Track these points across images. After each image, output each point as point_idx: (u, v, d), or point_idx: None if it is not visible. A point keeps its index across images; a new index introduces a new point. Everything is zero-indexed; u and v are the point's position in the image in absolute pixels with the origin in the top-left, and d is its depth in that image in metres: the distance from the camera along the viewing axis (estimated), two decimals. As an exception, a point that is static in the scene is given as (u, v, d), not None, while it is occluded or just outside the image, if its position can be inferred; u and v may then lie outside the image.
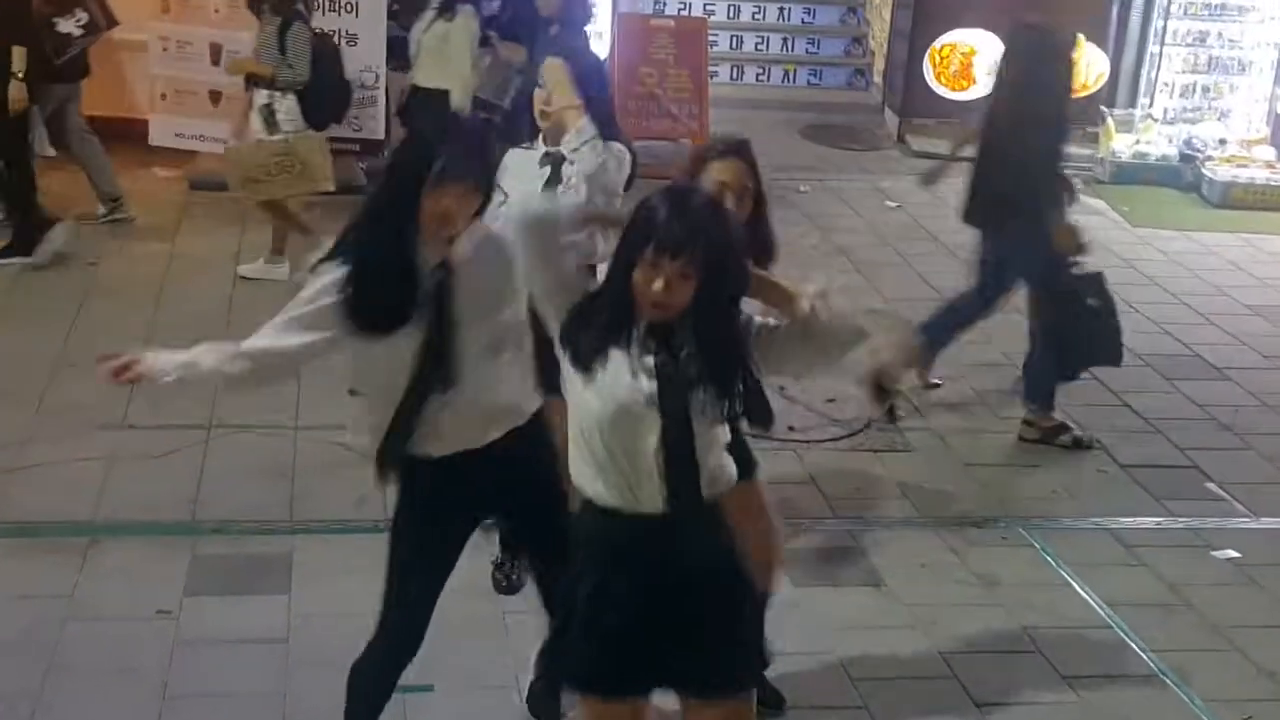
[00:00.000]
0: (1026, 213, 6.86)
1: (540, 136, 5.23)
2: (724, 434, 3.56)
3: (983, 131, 7.28)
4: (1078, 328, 7.03)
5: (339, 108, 8.69)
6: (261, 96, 8.47)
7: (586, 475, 3.50)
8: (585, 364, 3.37)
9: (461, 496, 4.10)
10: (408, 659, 4.29)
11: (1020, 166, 6.84)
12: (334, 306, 3.89)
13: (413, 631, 4.25)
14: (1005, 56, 7.49)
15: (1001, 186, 6.96)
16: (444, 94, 8.18)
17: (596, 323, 3.39)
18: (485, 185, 3.99)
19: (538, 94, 5.17)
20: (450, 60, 8.34)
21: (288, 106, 8.36)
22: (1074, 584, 5.97)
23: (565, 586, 3.67)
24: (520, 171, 5.16)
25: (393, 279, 3.89)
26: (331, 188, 8.64)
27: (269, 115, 8.39)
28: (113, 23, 9.26)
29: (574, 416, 3.50)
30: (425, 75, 8.80)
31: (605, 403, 3.36)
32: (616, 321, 3.36)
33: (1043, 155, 6.92)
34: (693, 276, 3.25)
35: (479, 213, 3.98)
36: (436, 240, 3.88)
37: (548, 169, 5.14)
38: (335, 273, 3.95)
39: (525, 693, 4.73)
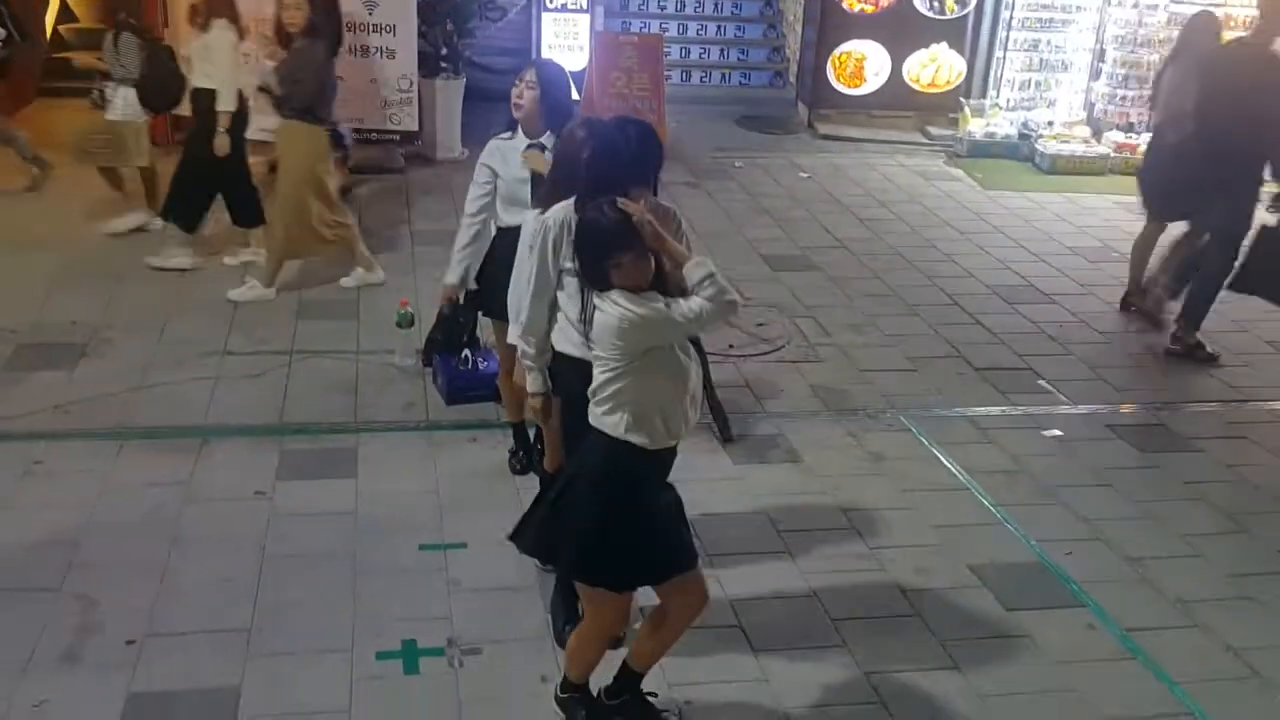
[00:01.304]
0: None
1: (518, 126, 5.07)
2: None
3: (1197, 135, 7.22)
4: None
5: (170, 98, 8.31)
6: (105, 87, 8.36)
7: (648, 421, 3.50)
8: None
9: None
10: None
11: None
12: None
13: None
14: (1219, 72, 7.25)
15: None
16: (212, 92, 7.90)
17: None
18: None
19: (513, 91, 4.99)
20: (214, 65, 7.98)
21: (125, 95, 8.12)
22: (940, 457, 6.01)
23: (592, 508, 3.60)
24: (504, 158, 5.10)
25: None
26: (144, 163, 8.52)
27: (105, 100, 8.26)
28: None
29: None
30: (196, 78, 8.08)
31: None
32: None
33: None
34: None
35: None
36: None
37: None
38: None
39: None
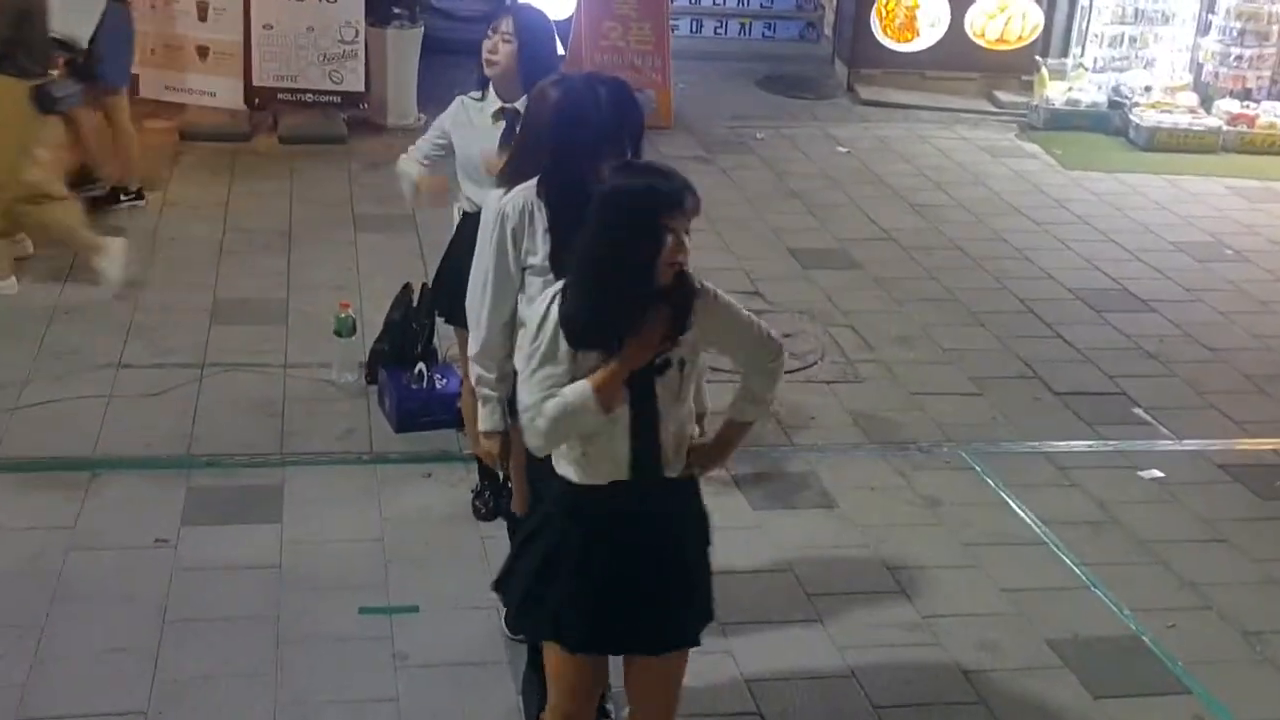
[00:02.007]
0: None
1: (489, 86, 5.07)
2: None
3: None
4: None
5: (41, 59, 8.27)
6: None
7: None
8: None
9: None
10: None
11: None
12: None
13: None
14: None
15: None
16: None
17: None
18: None
19: (485, 44, 4.98)
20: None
21: None
22: (1011, 503, 5.99)
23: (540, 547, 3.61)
24: (469, 121, 5.12)
25: None
26: None
27: None
28: None
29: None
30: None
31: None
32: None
33: None
34: None
35: None
36: None
37: (501, 124, 4.96)
38: None
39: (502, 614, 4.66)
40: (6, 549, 5.19)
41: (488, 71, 5.01)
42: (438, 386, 6.26)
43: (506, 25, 4.96)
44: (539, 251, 3.99)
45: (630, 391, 3.32)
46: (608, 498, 3.44)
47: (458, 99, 5.26)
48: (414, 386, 6.25)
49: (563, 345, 3.31)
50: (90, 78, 8.28)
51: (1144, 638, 5.13)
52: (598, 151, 3.77)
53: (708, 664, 4.58)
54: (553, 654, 3.64)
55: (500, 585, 3.75)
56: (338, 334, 6.78)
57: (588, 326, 3.29)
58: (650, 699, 3.79)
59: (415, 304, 6.49)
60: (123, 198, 8.74)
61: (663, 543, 3.50)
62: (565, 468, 3.48)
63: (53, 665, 4.57)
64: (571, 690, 3.69)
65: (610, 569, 3.48)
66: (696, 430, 3.64)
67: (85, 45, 8.09)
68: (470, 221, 4.85)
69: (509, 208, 3.97)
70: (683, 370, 3.41)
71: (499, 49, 4.92)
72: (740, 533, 5.58)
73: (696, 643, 3.69)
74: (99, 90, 8.46)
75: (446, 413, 6.15)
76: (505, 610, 4.01)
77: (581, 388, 3.25)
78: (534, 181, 3.89)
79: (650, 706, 3.80)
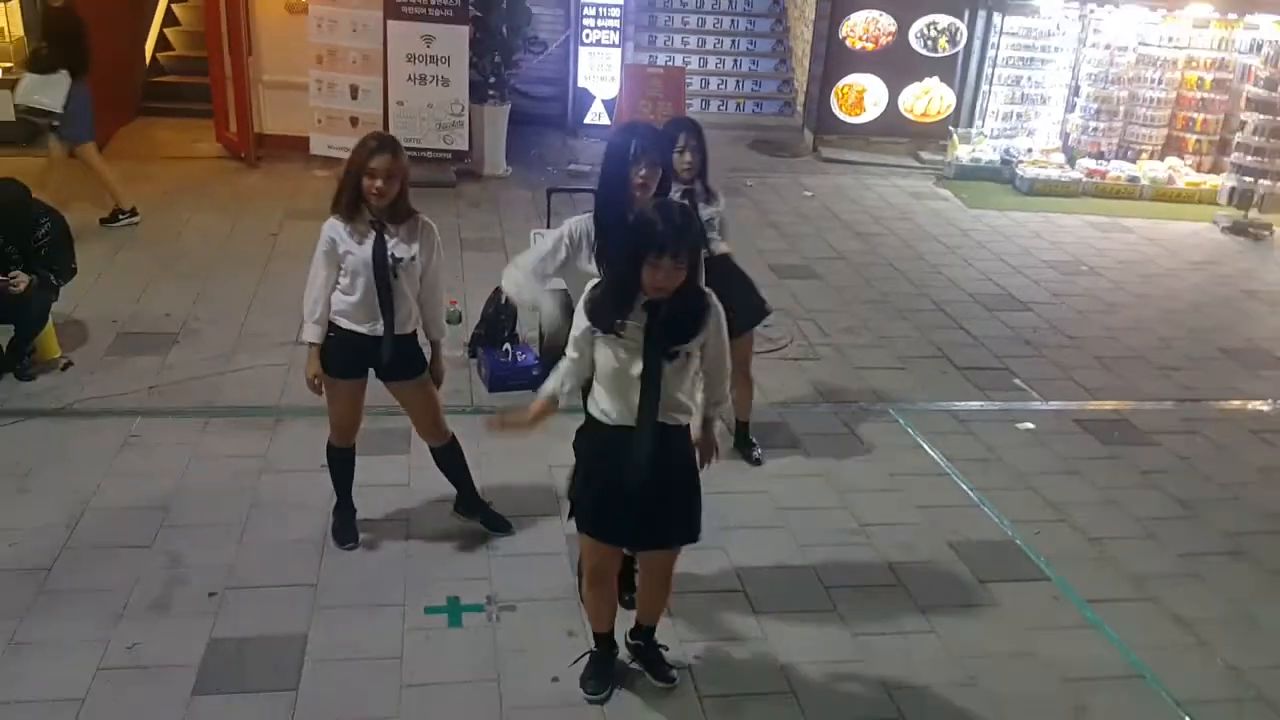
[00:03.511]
0: None
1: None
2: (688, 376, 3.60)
3: None
4: None
5: None
6: None
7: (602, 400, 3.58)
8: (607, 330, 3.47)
9: None
10: None
11: None
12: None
13: None
14: None
15: None
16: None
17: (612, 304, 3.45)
18: None
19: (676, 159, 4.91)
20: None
21: None
22: (924, 445, 6.01)
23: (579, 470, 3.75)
24: None
25: None
26: None
27: None
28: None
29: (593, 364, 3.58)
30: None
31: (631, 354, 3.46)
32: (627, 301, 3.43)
33: None
34: (684, 268, 3.36)
35: None
36: None
37: None
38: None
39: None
40: (219, 470, 5.28)
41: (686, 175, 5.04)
42: (518, 360, 6.31)
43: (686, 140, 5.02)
44: (582, 259, 4.05)
45: (646, 367, 3.43)
46: (620, 434, 3.55)
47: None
48: (501, 360, 6.31)
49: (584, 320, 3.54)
50: (63, 137, 8.26)
51: (1017, 540, 5.16)
52: (629, 170, 3.89)
53: (708, 556, 4.67)
54: (583, 539, 3.81)
55: (568, 494, 3.85)
56: (449, 322, 6.84)
57: (594, 310, 3.50)
58: (648, 580, 3.97)
59: (503, 301, 6.54)
60: (120, 217, 8.57)
61: (652, 471, 3.55)
62: (596, 413, 3.61)
63: (250, 551, 4.67)
64: (592, 562, 3.86)
65: (612, 483, 3.59)
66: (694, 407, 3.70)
67: (60, 110, 8.10)
68: None
69: (575, 224, 4.09)
70: (688, 360, 3.55)
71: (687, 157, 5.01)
72: (726, 467, 5.64)
73: (675, 549, 3.84)
74: (72, 144, 8.38)
75: (525, 379, 6.20)
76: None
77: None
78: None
79: (648, 586, 3.98)
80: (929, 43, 12.56)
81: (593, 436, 3.67)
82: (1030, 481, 5.73)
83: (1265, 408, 6.91)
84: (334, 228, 4.36)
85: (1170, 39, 11.88)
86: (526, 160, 11.27)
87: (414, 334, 4.55)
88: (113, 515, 4.85)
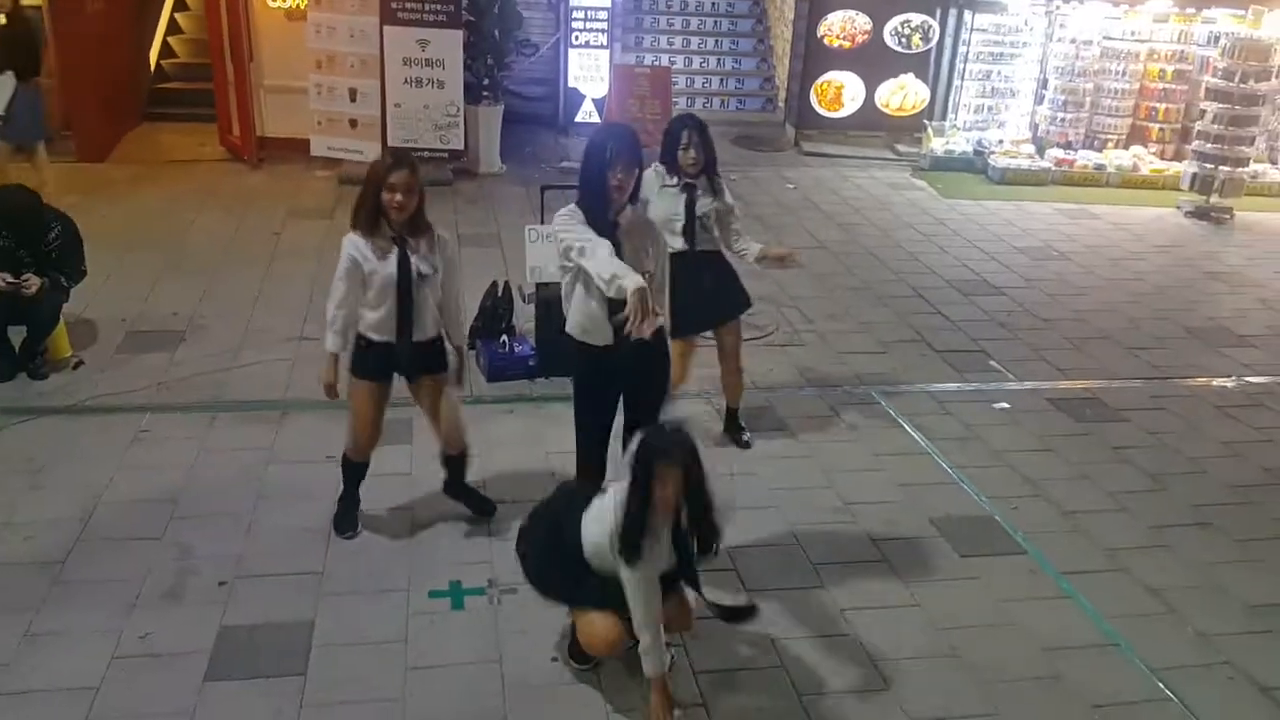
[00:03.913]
0: None
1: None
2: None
3: None
4: None
5: None
6: None
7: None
8: None
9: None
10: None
11: None
12: None
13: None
14: None
15: None
16: None
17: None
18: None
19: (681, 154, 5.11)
20: None
21: None
22: (905, 426, 5.99)
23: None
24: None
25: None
26: None
27: None
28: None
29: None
30: None
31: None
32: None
33: None
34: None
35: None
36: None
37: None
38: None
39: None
40: (227, 462, 5.23)
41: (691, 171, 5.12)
42: (515, 351, 6.27)
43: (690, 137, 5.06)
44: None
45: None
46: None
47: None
48: (500, 351, 6.26)
49: None
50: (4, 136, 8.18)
51: (995, 516, 5.14)
52: (606, 173, 3.85)
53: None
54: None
55: None
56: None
57: None
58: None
59: (500, 294, 6.50)
60: None
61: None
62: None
63: (258, 540, 4.62)
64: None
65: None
66: None
67: (3, 112, 8.04)
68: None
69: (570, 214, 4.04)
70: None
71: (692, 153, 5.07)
72: (719, 449, 5.60)
73: None
74: (18, 144, 8.31)
75: (522, 369, 6.17)
76: None
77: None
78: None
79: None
80: (903, 40, 12.49)
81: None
82: (1006, 458, 5.70)
83: (1229, 384, 6.89)
84: (355, 244, 4.29)
85: (1133, 33, 11.87)
86: (520, 158, 11.19)
87: (439, 336, 4.52)
88: (124, 508, 4.79)
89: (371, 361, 4.44)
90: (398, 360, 4.44)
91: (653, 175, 5.13)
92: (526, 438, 5.60)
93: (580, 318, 4.05)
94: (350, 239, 4.30)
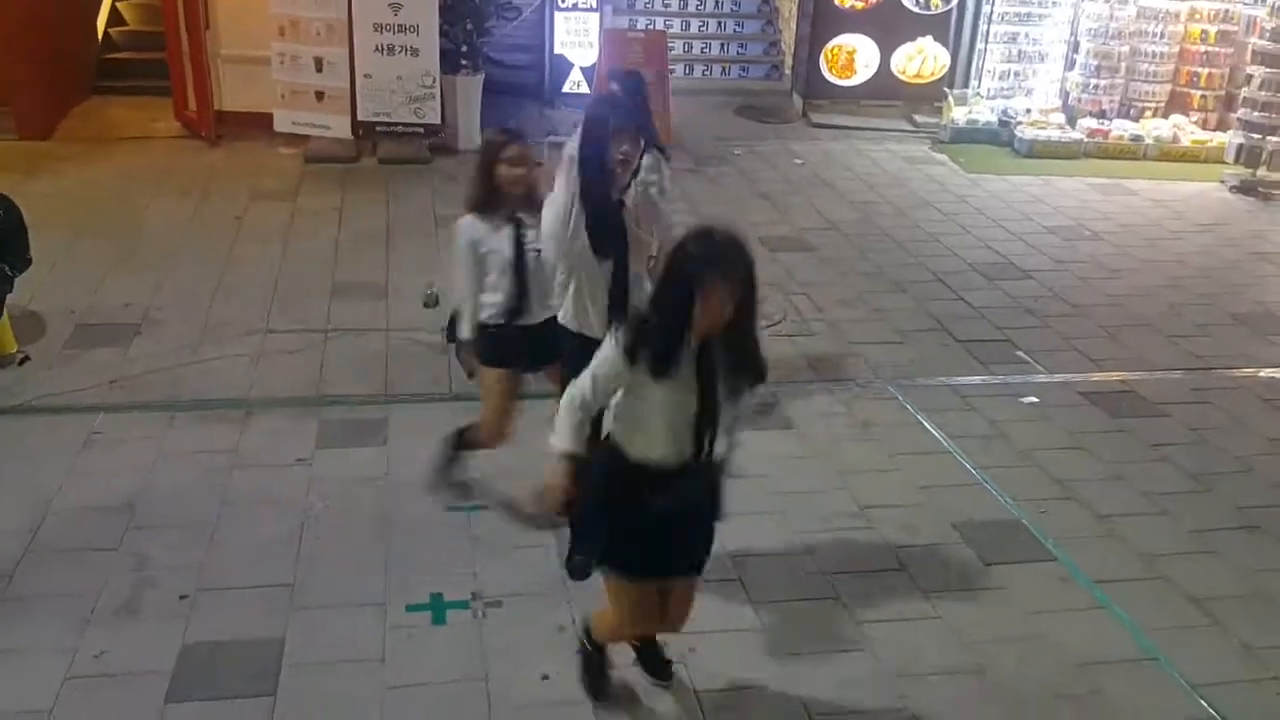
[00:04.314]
0: None
1: None
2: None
3: None
4: None
5: None
6: None
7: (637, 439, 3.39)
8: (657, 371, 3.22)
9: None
10: None
11: None
12: None
13: None
14: None
15: None
16: None
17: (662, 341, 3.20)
18: None
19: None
20: None
21: None
22: (924, 423, 6.02)
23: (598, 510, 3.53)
24: None
25: None
26: None
27: None
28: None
29: (636, 401, 3.33)
30: None
31: (674, 393, 3.25)
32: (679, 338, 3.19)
33: None
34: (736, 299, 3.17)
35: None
36: None
37: None
38: None
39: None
40: (187, 467, 5.26)
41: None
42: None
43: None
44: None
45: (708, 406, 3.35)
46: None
47: None
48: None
49: None
50: None
51: (1023, 520, 5.18)
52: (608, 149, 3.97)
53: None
54: (616, 582, 3.66)
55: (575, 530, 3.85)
56: (425, 305, 6.85)
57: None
58: (677, 606, 3.78)
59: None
60: None
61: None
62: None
63: (222, 550, 4.66)
64: (632, 601, 3.68)
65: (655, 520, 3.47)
66: None
67: None
68: None
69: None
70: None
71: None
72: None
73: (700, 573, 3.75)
74: None
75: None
76: None
77: None
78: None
79: (676, 612, 3.79)
80: (921, 0, 12.52)
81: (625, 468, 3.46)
82: (1035, 458, 5.74)
83: (1278, 375, 6.93)
84: (472, 227, 4.52)
85: (1173, -10, 11.89)
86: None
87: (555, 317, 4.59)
88: (77, 516, 4.82)
89: (497, 347, 4.63)
90: (528, 343, 4.61)
91: None
92: (516, 440, 5.62)
93: (578, 312, 4.29)
94: (467, 222, 4.52)
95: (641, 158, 4.34)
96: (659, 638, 4.05)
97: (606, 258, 4.24)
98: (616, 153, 3.96)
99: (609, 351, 3.31)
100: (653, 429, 3.35)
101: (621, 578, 3.60)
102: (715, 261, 3.15)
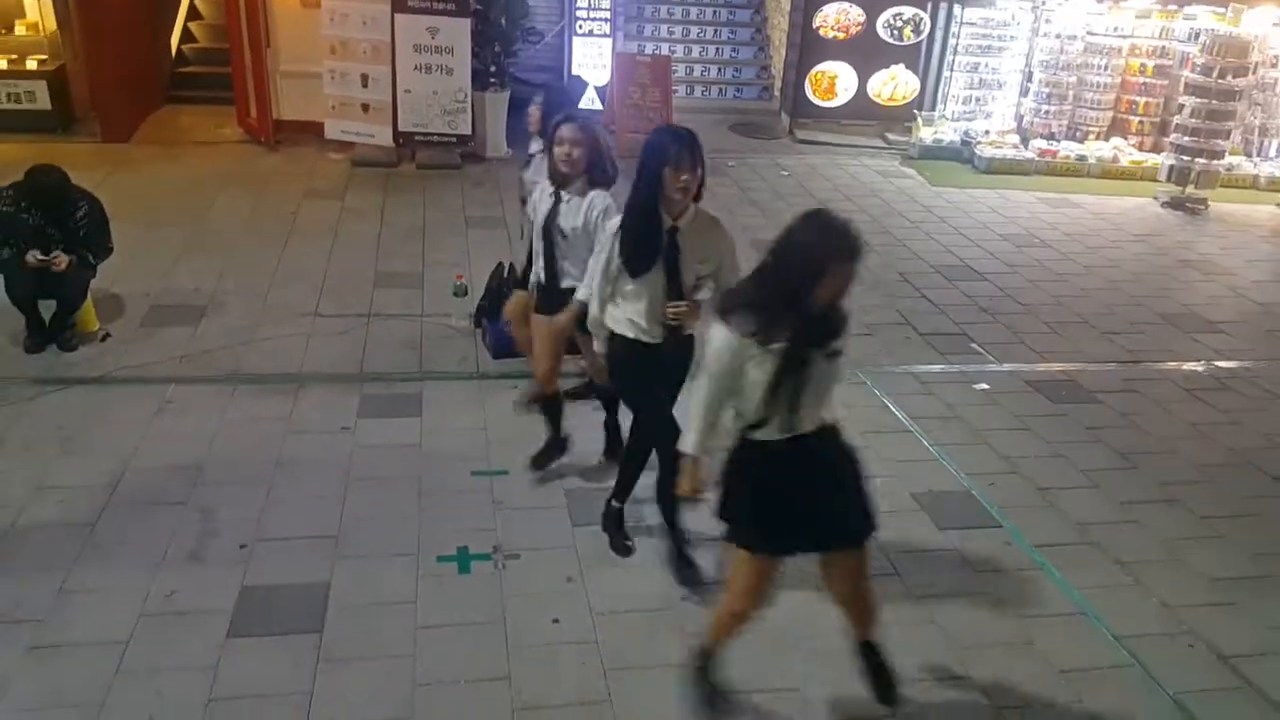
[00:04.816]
0: None
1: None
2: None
3: None
4: None
5: None
6: None
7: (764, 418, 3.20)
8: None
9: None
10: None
11: None
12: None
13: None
14: None
15: None
16: None
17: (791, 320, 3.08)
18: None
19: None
20: None
21: None
22: (890, 406, 6.04)
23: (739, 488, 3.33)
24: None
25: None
26: None
27: None
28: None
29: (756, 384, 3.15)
30: None
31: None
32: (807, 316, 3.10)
33: None
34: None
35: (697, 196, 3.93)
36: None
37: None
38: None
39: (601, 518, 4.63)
40: (246, 432, 5.29)
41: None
42: (520, 329, 6.32)
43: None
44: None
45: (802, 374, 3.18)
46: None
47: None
48: (504, 329, 6.28)
49: None
50: None
51: (973, 491, 5.20)
52: (665, 174, 3.80)
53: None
54: (749, 561, 3.42)
55: (725, 517, 3.45)
56: (455, 295, 6.87)
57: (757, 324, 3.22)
58: (846, 590, 3.56)
59: (505, 275, 6.53)
60: None
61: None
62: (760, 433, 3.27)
63: (276, 505, 4.69)
64: (760, 586, 3.47)
65: (788, 497, 3.32)
66: None
67: None
68: None
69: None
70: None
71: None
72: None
73: (861, 545, 3.49)
74: None
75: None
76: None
77: None
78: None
79: (849, 597, 3.57)
80: (895, 32, 12.47)
81: (759, 456, 3.27)
82: (985, 437, 5.77)
83: (1199, 368, 6.95)
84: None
85: (1115, 28, 11.85)
86: (525, 142, 11.16)
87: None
88: (150, 475, 4.87)
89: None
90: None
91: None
92: (528, 412, 5.66)
93: (632, 317, 4.07)
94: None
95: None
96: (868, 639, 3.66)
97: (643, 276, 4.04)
98: (676, 179, 3.80)
99: (724, 343, 3.13)
100: (774, 404, 3.16)
101: (759, 552, 3.36)
102: (845, 246, 3.06)
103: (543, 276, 4.63)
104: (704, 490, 3.42)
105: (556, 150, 4.43)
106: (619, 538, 4.54)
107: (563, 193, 4.53)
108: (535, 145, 5.49)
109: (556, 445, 5.09)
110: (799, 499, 3.28)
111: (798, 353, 3.13)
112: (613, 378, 4.37)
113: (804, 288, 3.05)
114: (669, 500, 4.24)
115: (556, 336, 4.68)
